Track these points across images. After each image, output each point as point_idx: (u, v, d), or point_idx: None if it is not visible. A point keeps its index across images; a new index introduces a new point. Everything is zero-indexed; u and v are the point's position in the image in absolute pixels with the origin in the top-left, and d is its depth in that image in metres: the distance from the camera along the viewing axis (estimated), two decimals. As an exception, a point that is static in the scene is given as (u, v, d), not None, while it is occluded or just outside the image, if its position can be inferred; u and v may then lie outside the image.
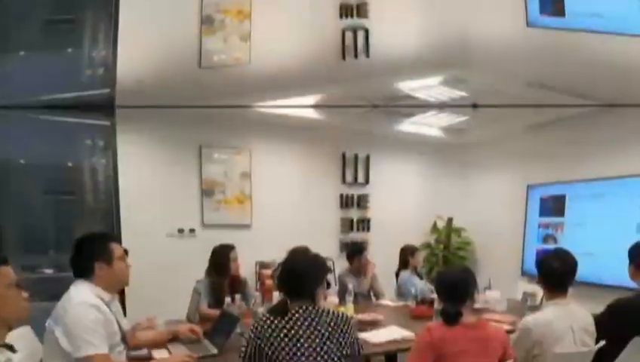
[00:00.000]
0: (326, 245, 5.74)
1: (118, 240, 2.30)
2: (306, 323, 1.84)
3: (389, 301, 4.01)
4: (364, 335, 2.61)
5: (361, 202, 5.98)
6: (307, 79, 4.22)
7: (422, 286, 4.52)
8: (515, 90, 4.17)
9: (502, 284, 4.36)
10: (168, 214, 4.96)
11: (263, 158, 5.49)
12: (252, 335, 1.88)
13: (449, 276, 2.17)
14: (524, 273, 5.41)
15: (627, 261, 2.78)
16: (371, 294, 4.40)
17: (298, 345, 1.80)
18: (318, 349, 1.80)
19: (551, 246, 5.13)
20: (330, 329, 1.85)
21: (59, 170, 5.24)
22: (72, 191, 5.58)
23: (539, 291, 4.06)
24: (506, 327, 2.91)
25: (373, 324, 2.97)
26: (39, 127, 5.00)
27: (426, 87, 4.36)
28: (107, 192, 5.03)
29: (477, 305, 3.66)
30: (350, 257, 4.32)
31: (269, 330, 1.84)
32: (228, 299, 2.78)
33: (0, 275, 1.59)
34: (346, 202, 5.90)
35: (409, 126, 5.69)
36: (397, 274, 4.58)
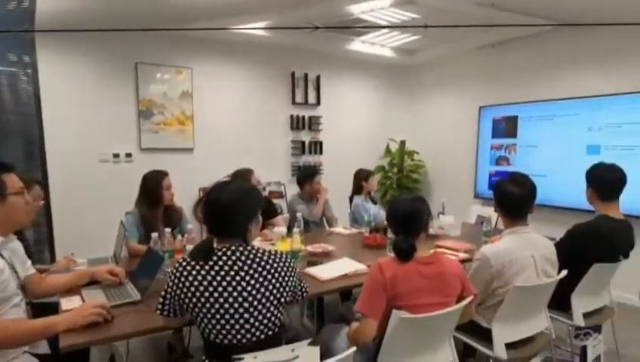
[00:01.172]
0: (277, 169, 5.43)
1: (13, 170, 1.79)
2: (236, 268, 1.50)
3: (342, 228, 3.77)
4: (312, 270, 2.35)
5: (313, 124, 5.56)
6: (257, 4, 3.64)
7: (375, 211, 4.33)
8: (465, 10, 3.77)
9: (456, 208, 4.23)
10: (101, 138, 4.34)
11: (205, 78, 4.86)
12: (170, 284, 1.52)
13: (401, 206, 1.86)
14: (477, 195, 5.35)
15: (578, 183, 2.61)
16: (324, 221, 4.16)
17: (225, 294, 1.47)
18: (250, 298, 1.48)
19: (504, 168, 5.03)
20: (265, 273, 1.52)
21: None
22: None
23: (493, 214, 3.97)
24: (462, 256, 2.75)
25: (324, 256, 2.70)
26: None
27: (377, 9, 3.89)
28: (30, 115, 4.30)
29: (431, 231, 3.52)
30: (301, 182, 3.99)
31: (190, 277, 1.49)
32: (155, 235, 2.38)
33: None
34: (297, 124, 5.46)
35: (360, 45, 5.16)
36: (351, 200, 4.33)
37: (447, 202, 4.18)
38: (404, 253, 1.76)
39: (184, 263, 1.52)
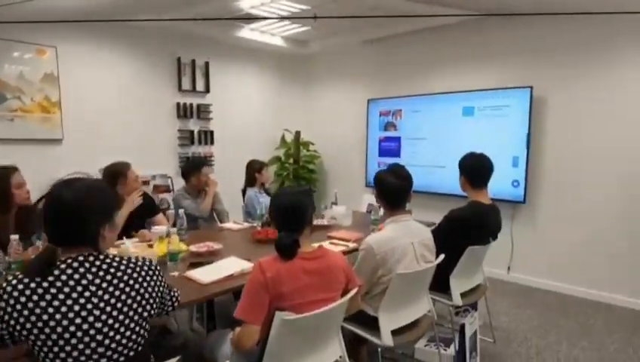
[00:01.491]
0: (162, 161, 5.03)
1: None
2: (84, 282, 1.24)
3: (232, 223, 3.57)
4: (192, 274, 2.13)
5: (202, 112, 5.23)
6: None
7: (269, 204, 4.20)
8: (356, 2, 3.82)
9: (350, 197, 4.28)
10: None
11: (75, 59, 4.27)
12: None
13: (284, 200, 1.76)
14: (368, 185, 5.49)
15: (453, 172, 2.77)
16: (215, 216, 3.91)
17: (71, 315, 1.20)
18: (104, 317, 1.24)
19: (391, 159, 5.23)
20: (122, 285, 1.29)
21: None
22: None
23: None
24: (352, 246, 2.74)
25: (209, 256, 2.50)
26: None
27: (267, 2, 3.79)
28: None
29: (324, 222, 3.49)
30: (186, 174, 3.70)
31: (22, 298, 1.19)
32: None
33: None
34: (184, 112, 5.09)
35: (249, 33, 4.97)
36: (244, 193, 4.14)
37: (342, 192, 4.21)
38: (287, 250, 1.66)
39: (14, 281, 1.21)
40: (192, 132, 5.18)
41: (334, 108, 6.02)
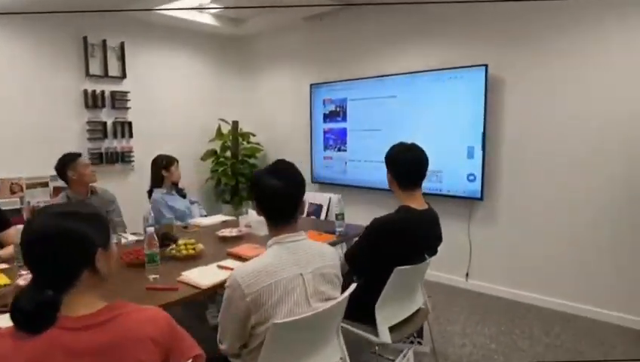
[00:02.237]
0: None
1: None
2: None
3: (130, 234, 2.85)
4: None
5: (117, 101, 4.45)
6: None
7: (185, 207, 3.50)
8: None
9: None
10: None
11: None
12: None
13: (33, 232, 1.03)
14: (315, 180, 4.83)
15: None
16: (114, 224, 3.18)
17: None
18: None
19: (338, 154, 4.59)
20: None
21: None
22: None
23: (334, 199, 3.49)
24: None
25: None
26: None
27: None
28: None
29: (234, 232, 2.79)
30: (62, 174, 2.96)
31: None
32: None
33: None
34: (93, 101, 4.30)
35: (172, 10, 4.19)
36: (150, 194, 3.43)
37: None
38: (29, 319, 0.96)
39: None
40: (104, 123, 4.39)
41: (275, 94, 5.31)
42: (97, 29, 4.27)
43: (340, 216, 2.78)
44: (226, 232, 2.73)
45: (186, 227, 3.09)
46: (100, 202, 3.06)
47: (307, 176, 4.91)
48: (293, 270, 1.46)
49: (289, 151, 5.23)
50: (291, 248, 1.50)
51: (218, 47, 5.33)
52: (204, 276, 1.95)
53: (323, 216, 3.83)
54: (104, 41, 4.33)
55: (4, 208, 3.66)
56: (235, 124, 5.16)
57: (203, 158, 5.12)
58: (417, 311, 2.21)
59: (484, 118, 3.51)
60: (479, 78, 3.51)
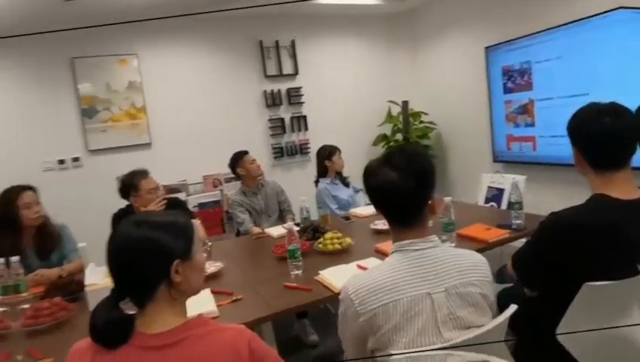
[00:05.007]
0: (255, 154, 4.60)
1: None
2: None
3: (283, 226, 2.86)
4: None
5: (292, 97, 4.63)
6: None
7: (348, 196, 3.39)
8: None
9: (472, 174, 3.12)
10: (42, 146, 3.83)
11: (155, 63, 4.14)
12: None
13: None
14: (496, 160, 4.13)
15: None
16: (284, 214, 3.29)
17: None
18: None
19: (524, 130, 3.78)
20: None
21: None
22: None
23: (520, 180, 2.91)
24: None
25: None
26: None
27: None
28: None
29: (377, 225, 2.48)
30: (235, 167, 3.15)
31: None
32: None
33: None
34: (272, 100, 4.57)
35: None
36: (316, 185, 3.43)
37: (466, 171, 3.11)
38: (108, 333, 0.89)
39: None
40: (282, 120, 4.64)
41: (446, 67, 4.70)
42: (269, 32, 4.50)
43: (517, 206, 2.19)
44: (380, 225, 2.44)
45: (347, 218, 2.95)
46: (270, 192, 3.19)
47: (487, 155, 4.24)
48: (419, 287, 1.10)
49: (464, 128, 4.59)
50: (417, 258, 1.13)
51: (384, 26, 5.02)
52: (340, 276, 1.74)
53: (504, 204, 3.18)
54: (277, 42, 4.53)
55: (208, 200, 4.28)
56: (405, 104, 4.79)
57: (374, 143, 4.94)
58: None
59: None
60: None
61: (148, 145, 4.16)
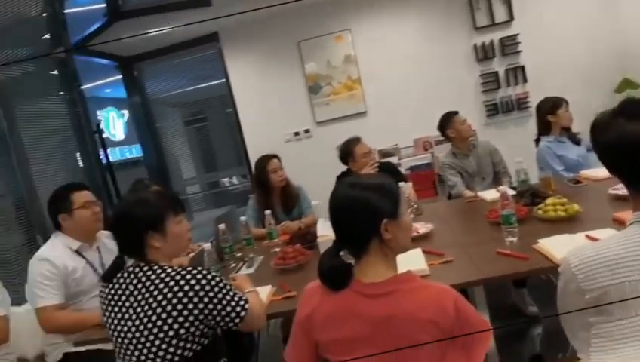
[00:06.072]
0: (466, 112, 4.38)
1: (84, 188, 2.12)
2: (127, 292, 1.28)
3: (496, 190, 2.67)
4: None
5: (506, 47, 4.16)
6: None
7: (577, 156, 2.91)
8: None
9: None
10: (280, 120, 4.59)
11: (366, 34, 4.35)
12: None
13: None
14: None
15: None
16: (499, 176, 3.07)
17: (115, 322, 1.28)
18: (134, 329, 1.24)
19: None
20: (157, 298, 1.22)
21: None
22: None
23: None
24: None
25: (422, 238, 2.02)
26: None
27: None
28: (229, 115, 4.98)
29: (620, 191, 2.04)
30: (443, 126, 3.05)
31: (102, 301, 1.35)
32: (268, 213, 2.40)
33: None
34: (483, 53, 4.21)
35: None
36: (537, 144, 3.05)
37: None
38: (330, 277, 1.06)
39: (101, 286, 1.38)
40: (496, 73, 4.24)
41: None
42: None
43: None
44: (623, 189, 2.00)
45: (577, 181, 2.54)
46: (483, 153, 3.02)
47: None
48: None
49: None
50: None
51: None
52: (564, 247, 1.54)
53: None
54: (487, -11, 4.12)
55: (419, 163, 4.35)
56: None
57: (617, 90, 4.01)
58: None
59: None
60: None
61: (363, 113, 4.47)
